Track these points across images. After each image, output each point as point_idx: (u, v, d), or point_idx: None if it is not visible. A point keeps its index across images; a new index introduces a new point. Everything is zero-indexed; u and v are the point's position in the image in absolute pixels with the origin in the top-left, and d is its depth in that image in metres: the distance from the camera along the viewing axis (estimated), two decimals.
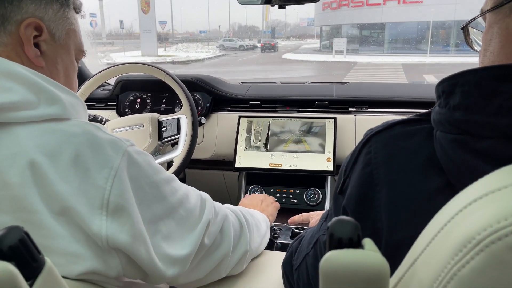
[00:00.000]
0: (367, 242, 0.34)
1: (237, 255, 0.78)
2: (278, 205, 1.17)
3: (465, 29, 0.58)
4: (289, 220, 1.10)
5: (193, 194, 0.68)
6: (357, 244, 0.33)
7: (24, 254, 0.38)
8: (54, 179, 0.51)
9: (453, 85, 0.44)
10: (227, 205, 0.84)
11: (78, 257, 0.51)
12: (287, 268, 0.71)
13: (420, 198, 0.46)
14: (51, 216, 0.50)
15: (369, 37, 28.91)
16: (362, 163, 0.52)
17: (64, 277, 0.52)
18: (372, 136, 0.53)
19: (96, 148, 0.54)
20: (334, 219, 0.34)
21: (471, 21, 0.56)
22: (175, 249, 0.61)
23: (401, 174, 0.48)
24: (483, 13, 0.50)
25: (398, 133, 0.51)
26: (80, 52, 0.68)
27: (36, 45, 0.58)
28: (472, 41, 0.59)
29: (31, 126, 0.52)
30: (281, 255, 0.94)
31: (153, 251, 0.57)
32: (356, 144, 0.55)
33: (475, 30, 0.58)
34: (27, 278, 0.38)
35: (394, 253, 0.42)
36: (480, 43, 0.53)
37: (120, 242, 0.53)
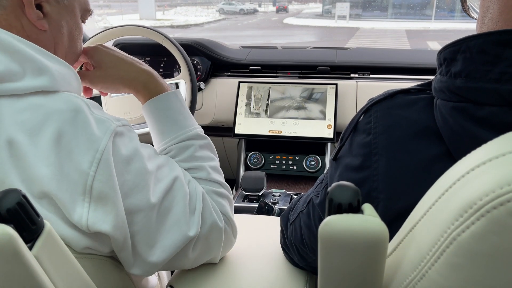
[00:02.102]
0: (367, 207, 0.34)
1: (226, 251, 0.74)
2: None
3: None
4: None
5: (180, 190, 0.61)
6: (357, 209, 0.33)
7: (23, 216, 0.38)
8: (33, 161, 0.47)
9: (455, 51, 0.43)
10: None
11: (69, 237, 0.49)
12: (284, 221, 0.73)
13: (419, 167, 0.46)
14: (33, 199, 0.47)
15: (373, 1, 28.16)
16: (361, 133, 0.52)
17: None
18: (373, 105, 0.52)
19: (81, 126, 0.49)
20: (334, 184, 0.34)
21: None
22: (146, 250, 0.56)
23: (400, 143, 0.48)
24: None
25: (399, 102, 0.50)
26: (87, 12, 0.63)
27: (39, 7, 0.54)
28: (469, 8, 0.57)
29: (15, 100, 0.48)
30: (279, 220, 0.95)
31: (129, 242, 0.54)
32: (357, 111, 0.55)
33: None
34: (26, 241, 0.38)
35: (393, 223, 0.42)
36: (478, 10, 0.51)
37: (102, 230, 0.50)
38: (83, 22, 0.63)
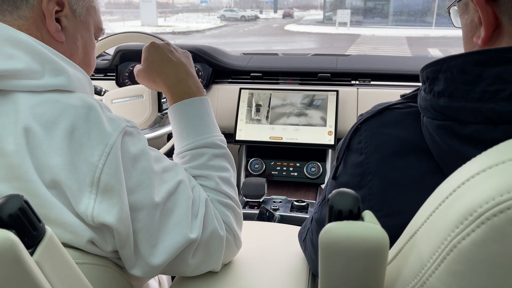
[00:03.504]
0: (367, 214, 0.34)
1: (228, 260, 0.74)
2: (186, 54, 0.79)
3: (449, 12, 0.58)
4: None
5: (185, 192, 0.62)
6: (357, 216, 0.33)
7: (24, 222, 0.38)
8: (47, 150, 0.50)
9: (436, 71, 0.44)
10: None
11: (75, 227, 0.51)
12: (299, 239, 0.75)
13: (412, 183, 0.47)
14: (44, 187, 0.50)
15: (373, 8, 28.32)
16: (354, 152, 0.53)
17: (72, 246, 0.52)
18: (362, 124, 0.54)
19: (93, 122, 0.52)
20: (334, 191, 0.34)
21: (450, 6, 0.56)
22: (147, 249, 0.57)
23: (391, 161, 0.49)
24: (451, 5, 0.52)
25: (387, 120, 0.52)
26: (99, 30, 0.68)
27: (57, 21, 0.58)
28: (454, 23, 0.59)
29: (33, 95, 0.52)
30: (280, 227, 0.95)
31: (132, 238, 0.55)
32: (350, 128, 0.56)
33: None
34: (27, 246, 0.38)
35: (392, 240, 0.43)
36: (458, 24, 0.54)
37: (106, 222, 0.51)
38: (96, 39, 0.68)
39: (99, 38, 0.71)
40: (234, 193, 0.71)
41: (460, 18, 0.51)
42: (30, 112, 0.50)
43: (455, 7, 0.55)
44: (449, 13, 0.59)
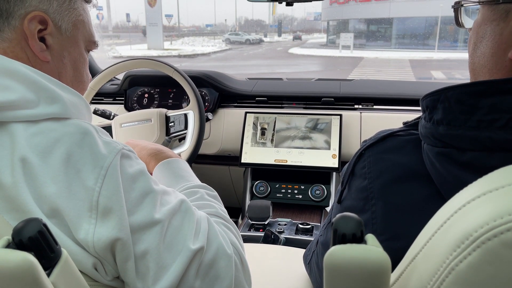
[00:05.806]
0: (370, 237, 0.36)
1: None
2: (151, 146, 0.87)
3: (459, 9, 0.54)
4: None
5: (189, 212, 0.60)
6: (360, 240, 0.35)
7: (43, 245, 0.39)
8: (44, 180, 0.49)
9: (435, 101, 0.46)
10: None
11: (77, 255, 0.50)
12: (304, 261, 0.76)
13: (413, 208, 0.49)
14: (43, 217, 0.49)
15: (376, 32, 28.70)
16: (358, 177, 0.55)
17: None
18: (366, 150, 0.56)
19: (88, 147, 0.52)
20: (338, 215, 0.36)
21: (467, 2, 0.52)
22: (154, 274, 0.54)
23: (394, 186, 0.51)
24: (479, 2, 0.48)
25: (389, 146, 0.54)
26: (92, 43, 0.66)
27: (43, 39, 0.57)
28: (462, 22, 0.55)
29: (29, 125, 0.51)
30: (285, 249, 0.95)
31: (133, 263, 0.53)
32: (361, 141, 0.58)
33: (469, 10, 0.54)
34: (45, 268, 0.40)
35: (396, 263, 0.44)
36: (469, 25, 0.51)
37: (109, 238, 0.50)
38: (89, 51, 0.67)
39: (112, 64, 0.72)
40: (234, 228, 0.69)
41: (485, 25, 0.47)
42: (26, 143, 0.50)
43: (464, 9, 0.51)
44: (456, 10, 0.54)
